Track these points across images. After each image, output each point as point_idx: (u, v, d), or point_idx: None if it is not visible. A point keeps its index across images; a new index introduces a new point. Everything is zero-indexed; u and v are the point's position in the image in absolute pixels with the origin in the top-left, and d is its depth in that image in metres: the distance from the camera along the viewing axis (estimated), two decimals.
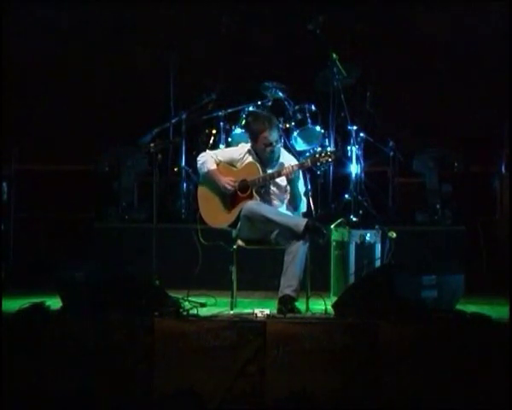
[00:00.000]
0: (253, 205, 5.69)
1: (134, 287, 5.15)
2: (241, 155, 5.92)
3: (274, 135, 5.78)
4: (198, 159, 6.01)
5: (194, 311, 5.12)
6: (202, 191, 5.98)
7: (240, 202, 5.76)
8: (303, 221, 5.55)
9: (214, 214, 5.87)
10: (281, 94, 7.68)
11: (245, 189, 5.79)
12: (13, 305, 5.27)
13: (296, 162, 5.82)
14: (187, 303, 5.34)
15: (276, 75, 7.74)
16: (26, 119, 8.21)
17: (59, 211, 8.07)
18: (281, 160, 5.89)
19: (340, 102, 7.42)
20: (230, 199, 5.84)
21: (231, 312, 5.52)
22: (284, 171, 5.69)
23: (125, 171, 7.70)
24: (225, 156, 5.98)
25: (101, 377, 4.83)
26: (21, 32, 8.23)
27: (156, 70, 7.98)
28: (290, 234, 5.55)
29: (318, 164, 5.75)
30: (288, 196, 5.84)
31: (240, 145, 6.09)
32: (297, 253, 5.51)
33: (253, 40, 8.19)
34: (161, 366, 4.83)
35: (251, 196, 5.76)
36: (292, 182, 5.71)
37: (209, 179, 5.92)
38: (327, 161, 5.71)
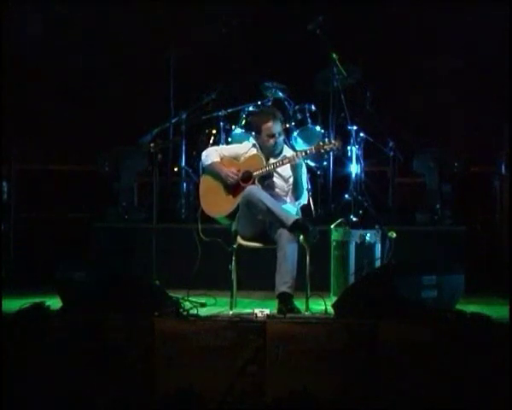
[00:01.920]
0: (254, 189, 5.71)
1: (134, 287, 5.15)
2: (246, 150, 5.96)
3: (277, 127, 5.82)
4: (203, 153, 6.05)
5: (194, 311, 5.11)
6: (205, 183, 5.99)
7: (242, 191, 5.77)
8: (294, 217, 5.59)
9: (215, 203, 5.88)
10: (281, 94, 7.70)
11: (248, 179, 5.81)
12: (13, 305, 5.27)
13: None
14: (187, 303, 5.34)
15: (276, 75, 7.74)
16: (26, 119, 8.21)
17: (59, 211, 8.07)
18: (284, 153, 5.91)
19: (340, 102, 7.42)
20: (233, 188, 5.84)
21: (231, 312, 5.52)
22: (287, 158, 5.71)
23: (124, 171, 7.70)
24: (230, 151, 6.03)
25: (101, 377, 4.83)
26: (21, 32, 8.23)
27: (156, 70, 7.98)
28: (279, 225, 5.57)
29: (322, 151, 5.81)
30: (290, 188, 5.86)
31: (244, 142, 6.16)
32: (287, 250, 5.52)
33: (253, 40, 8.18)
34: (161, 366, 4.83)
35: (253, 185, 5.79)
36: (295, 169, 5.72)
37: (212, 171, 5.94)
38: (331, 148, 5.75)
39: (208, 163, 5.95)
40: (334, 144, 5.73)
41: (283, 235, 5.55)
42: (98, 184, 7.98)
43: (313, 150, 5.76)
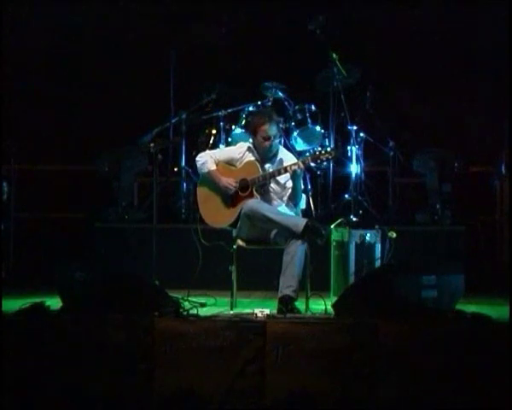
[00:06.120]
0: (254, 203, 5.69)
1: (134, 287, 5.14)
2: (241, 154, 5.93)
3: (273, 129, 5.80)
4: (197, 159, 6.00)
5: (194, 311, 5.11)
6: (202, 192, 5.97)
7: (240, 202, 5.76)
8: (303, 221, 5.54)
9: (215, 214, 5.87)
10: (281, 94, 7.69)
11: (245, 188, 5.80)
12: (13, 305, 5.27)
13: (296, 160, 5.81)
14: (187, 303, 5.33)
15: (276, 75, 7.75)
16: (26, 119, 8.21)
17: (59, 211, 8.07)
18: (280, 156, 5.90)
19: (340, 102, 7.42)
20: (231, 199, 5.83)
21: (231, 312, 5.52)
22: (284, 168, 5.69)
23: (124, 171, 7.70)
24: (224, 156, 5.99)
25: (101, 377, 4.83)
26: (21, 32, 8.23)
27: (156, 70, 7.98)
28: (289, 233, 5.54)
29: (319, 161, 5.78)
30: (287, 194, 5.85)
31: (239, 144, 6.08)
32: (295, 253, 5.50)
33: (253, 40, 8.18)
34: (161, 365, 4.83)
35: (251, 195, 5.76)
36: (295, 179, 5.70)
37: (209, 180, 5.92)
38: (327, 158, 5.73)
39: (205, 171, 5.91)
40: (331, 154, 5.70)
41: (293, 240, 5.52)
42: (98, 184, 7.98)
43: (310, 160, 5.72)
